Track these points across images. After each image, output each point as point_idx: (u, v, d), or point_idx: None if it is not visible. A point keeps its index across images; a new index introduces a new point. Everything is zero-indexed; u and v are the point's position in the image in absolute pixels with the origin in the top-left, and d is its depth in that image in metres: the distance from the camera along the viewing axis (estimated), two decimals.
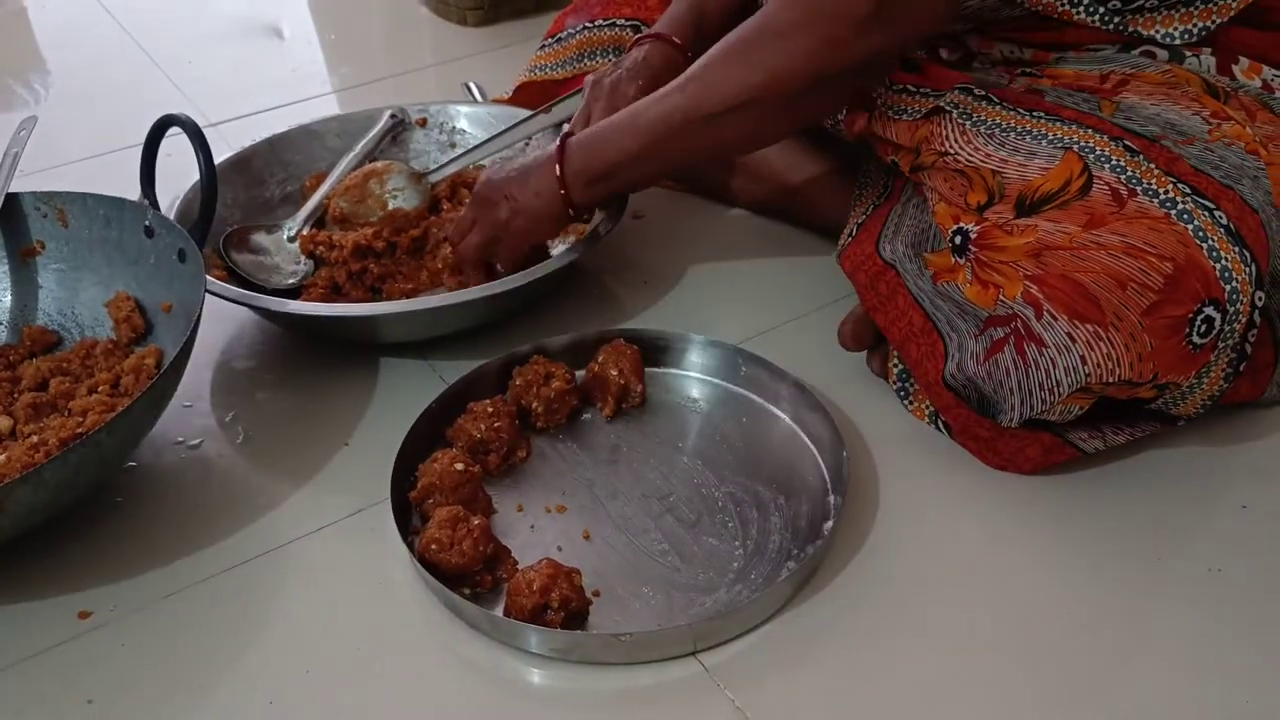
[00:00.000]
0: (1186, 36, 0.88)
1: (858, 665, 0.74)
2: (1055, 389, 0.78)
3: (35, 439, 0.83)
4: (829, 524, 0.81)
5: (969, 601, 0.79)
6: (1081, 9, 0.88)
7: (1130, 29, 0.88)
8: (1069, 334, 0.76)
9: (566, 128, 1.08)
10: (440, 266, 1.05)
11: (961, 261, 0.82)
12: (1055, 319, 0.76)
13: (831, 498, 0.84)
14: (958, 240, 0.82)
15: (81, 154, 1.36)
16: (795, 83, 0.85)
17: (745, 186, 1.18)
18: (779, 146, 1.13)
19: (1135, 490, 0.86)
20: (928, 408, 0.92)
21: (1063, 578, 0.80)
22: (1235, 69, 0.90)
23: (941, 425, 0.91)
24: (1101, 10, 0.88)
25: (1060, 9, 0.88)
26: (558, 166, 0.94)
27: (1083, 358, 0.76)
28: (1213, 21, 0.87)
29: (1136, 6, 0.87)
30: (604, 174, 0.94)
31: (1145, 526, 0.84)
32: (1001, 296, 0.79)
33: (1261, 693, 0.73)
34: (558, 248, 1.08)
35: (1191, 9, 0.87)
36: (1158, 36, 0.88)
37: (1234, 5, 0.87)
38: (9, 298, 1.00)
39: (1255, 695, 0.72)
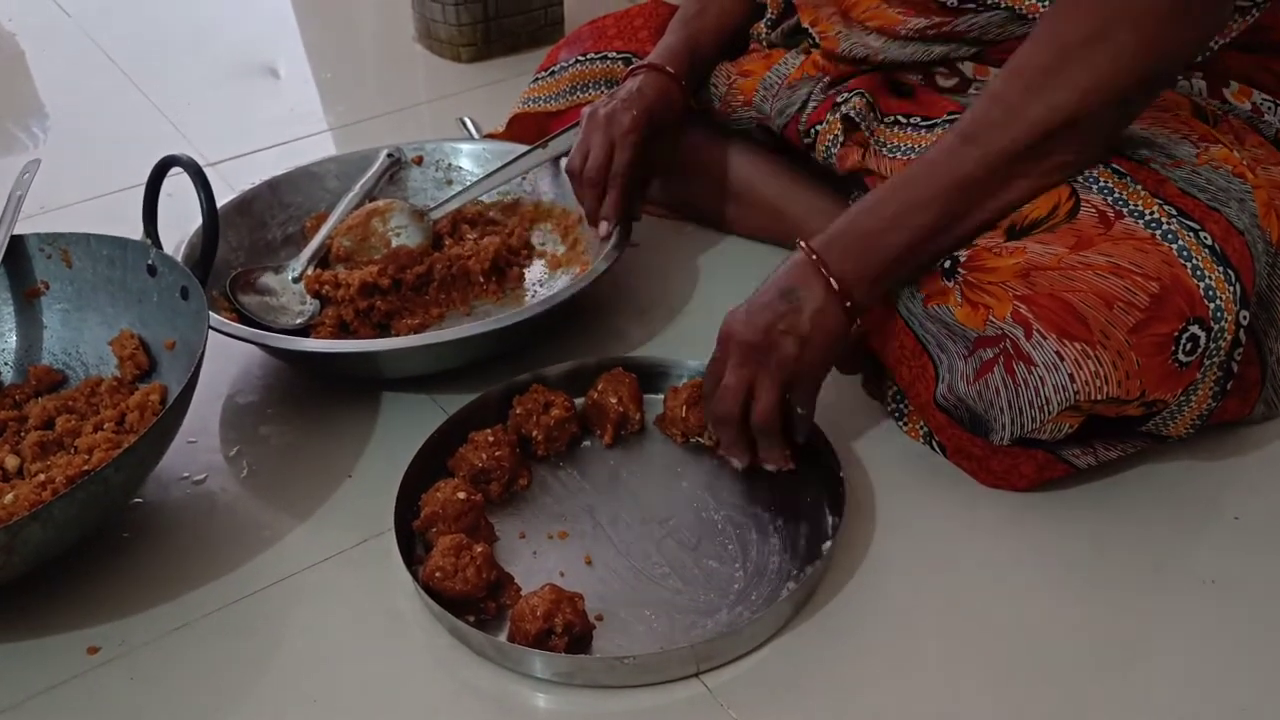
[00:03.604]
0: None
1: (859, 683, 0.75)
2: (1045, 407, 0.79)
3: (43, 477, 0.83)
4: (827, 544, 0.82)
5: (968, 618, 0.79)
6: None
7: None
8: (1057, 352, 0.77)
9: (565, 163, 1.10)
10: (444, 300, 1.07)
11: (951, 284, 0.83)
12: (1044, 338, 0.77)
13: (829, 518, 0.85)
14: (947, 264, 0.84)
15: (82, 195, 1.37)
16: (1119, 91, 0.77)
17: (738, 213, 1.19)
18: (769, 174, 1.15)
19: (1129, 505, 0.87)
20: (922, 428, 0.93)
21: (1059, 592, 0.81)
22: (1226, 92, 0.91)
23: (936, 445, 0.92)
24: None
25: None
26: (830, 280, 0.81)
27: (1071, 376, 0.77)
28: (1215, 43, 0.88)
29: None
30: (893, 264, 0.83)
31: (1140, 541, 0.85)
32: (991, 317, 0.80)
33: (1259, 701, 0.73)
34: (559, 281, 1.10)
35: None
36: None
37: (1235, 26, 0.88)
38: (14, 338, 1.01)
39: (1253, 703, 0.73)
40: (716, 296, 1.13)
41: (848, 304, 0.81)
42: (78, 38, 1.85)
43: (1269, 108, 0.91)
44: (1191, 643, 0.77)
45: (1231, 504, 0.88)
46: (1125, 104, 0.79)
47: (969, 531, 0.86)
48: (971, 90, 0.98)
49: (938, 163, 0.81)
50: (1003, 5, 0.90)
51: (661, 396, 0.96)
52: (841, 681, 0.75)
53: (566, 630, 0.74)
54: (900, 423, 0.95)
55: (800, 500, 0.87)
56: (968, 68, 0.98)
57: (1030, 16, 0.90)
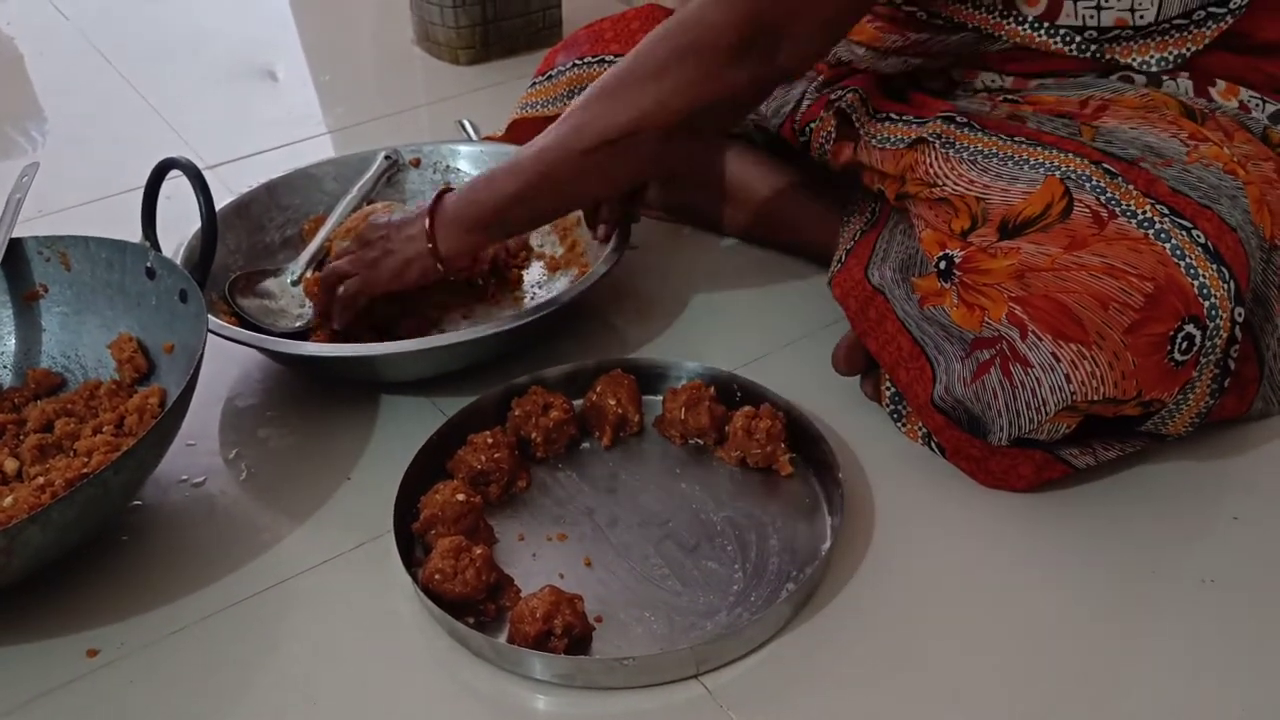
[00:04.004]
0: (1163, 64, 0.90)
1: (858, 683, 0.75)
2: (1042, 408, 0.79)
3: (42, 480, 0.83)
4: (826, 545, 0.82)
5: (966, 618, 0.79)
6: (1059, 39, 0.90)
7: (1108, 57, 0.90)
8: (1053, 354, 0.77)
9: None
10: (442, 303, 1.07)
11: (947, 286, 0.84)
12: (1040, 339, 0.77)
13: (828, 519, 0.86)
14: (943, 265, 0.84)
15: (81, 199, 1.37)
16: (668, 118, 0.87)
17: (735, 216, 1.19)
18: (767, 176, 1.15)
19: (1128, 505, 0.87)
20: (921, 429, 0.93)
21: (1058, 592, 0.81)
22: (1212, 91, 0.91)
23: (935, 446, 0.92)
24: (1079, 39, 0.89)
25: (1038, 40, 0.90)
26: (428, 218, 0.96)
27: (1067, 376, 0.77)
28: (1188, 49, 0.89)
29: (1113, 36, 0.89)
30: (484, 220, 0.95)
31: (1139, 540, 0.85)
32: (987, 319, 0.80)
33: (1257, 701, 0.73)
34: (558, 283, 1.10)
35: (1167, 38, 0.89)
36: (1135, 64, 0.90)
37: (1208, 34, 0.88)
38: (13, 341, 1.01)
39: (1251, 704, 0.73)
40: (715, 299, 1.13)
41: (432, 247, 0.96)
42: (76, 41, 1.85)
43: (1256, 104, 0.91)
44: (1191, 642, 0.77)
45: (1231, 504, 0.88)
46: (682, 126, 0.88)
47: (968, 532, 0.86)
48: (959, 92, 0.98)
49: (536, 140, 0.93)
50: (970, 26, 0.91)
51: (660, 398, 0.96)
52: (841, 682, 0.75)
53: (566, 632, 0.75)
54: (899, 424, 0.95)
55: (799, 501, 0.88)
56: (957, 72, 0.99)
57: (998, 35, 0.90)
